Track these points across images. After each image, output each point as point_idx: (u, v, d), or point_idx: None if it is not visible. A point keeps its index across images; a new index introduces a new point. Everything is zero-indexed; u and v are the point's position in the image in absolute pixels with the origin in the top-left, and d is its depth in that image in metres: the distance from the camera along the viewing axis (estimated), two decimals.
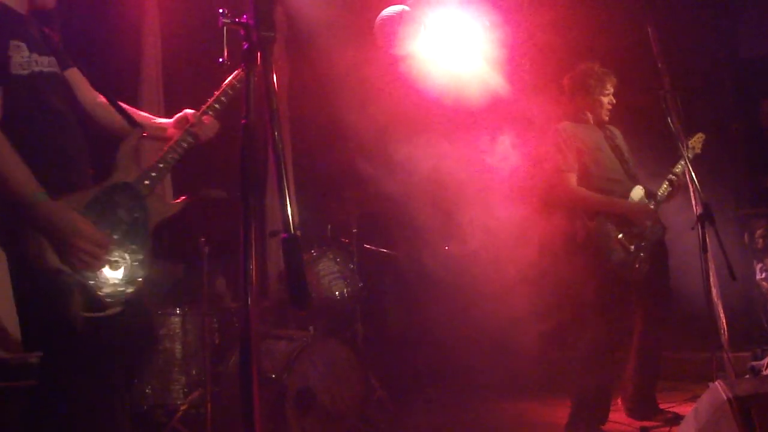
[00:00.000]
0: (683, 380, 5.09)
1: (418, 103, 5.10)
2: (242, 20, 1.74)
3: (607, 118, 4.41)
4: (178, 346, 4.58)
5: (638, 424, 4.27)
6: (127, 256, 2.55)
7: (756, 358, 4.73)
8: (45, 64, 2.57)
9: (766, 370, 4.41)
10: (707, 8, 6.40)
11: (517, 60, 5.21)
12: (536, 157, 4.59)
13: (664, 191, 4.35)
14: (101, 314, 2.44)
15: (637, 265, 4.14)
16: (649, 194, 4.34)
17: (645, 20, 4.58)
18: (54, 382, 2.38)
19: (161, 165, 2.73)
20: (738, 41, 6.65)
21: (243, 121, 1.66)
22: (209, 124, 2.86)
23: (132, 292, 2.53)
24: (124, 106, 2.88)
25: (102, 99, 2.85)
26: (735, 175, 6.46)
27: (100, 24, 4.69)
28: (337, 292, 4.86)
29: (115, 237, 2.53)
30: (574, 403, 4.14)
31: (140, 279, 2.56)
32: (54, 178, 2.45)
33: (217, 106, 2.89)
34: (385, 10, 4.77)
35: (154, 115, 3.07)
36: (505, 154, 4.95)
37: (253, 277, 1.59)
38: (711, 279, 4.05)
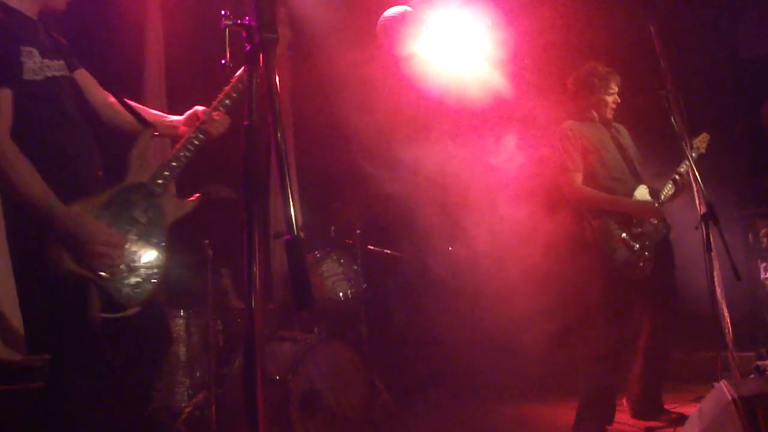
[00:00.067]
0: (688, 380, 5.08)
1: (421, 104, 5.10)
2: (244, 22, 1.74)
3: (611, 117, 4.41)
4: (182, 349, 4.58)
5: (643, 424, 4.26)
6: (143, 256, 2.57)
7: (761, 357, 4.71)
8: (56, 68, 2.59)
9: None
10: (707, 8, 6.39)
11: (519, 60, 5.20)
12: (541, 156, 4.58)
13: (668, 191, 4.35)
14: (120, 315, 2.45)
15: (641, 264, 4.13)
16: (654, 194, 4.33)
17: (646, 20, 4.57)
18: (69, 383, 2.39)
19: (174, 163, 2.73)
20: (738, 41, 6.64)
21: (245, 123, 1.66)
22: (220, 120, 2.84)
23: (150, 292, 2.54)
24: (135, 104, 2.89)
25: (112, 99, 2.86)
26: (738, 175, 6.45)
27: (102, 25, 4.69)
28: (341, 294, 4.86)
29: (132, 238, 2.54)
30: (581, 403, 4.14)
31: (157, 278, 2.57)
32: (67, 182, 2.46)
33: (227, 101, 2.87)
34: (388, 10, 4.78)
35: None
36: (509, 154, 4.94)
37: (257, 279, 1.59)
38: (715, 279, 4.03)
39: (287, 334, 4.58)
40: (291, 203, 1.56)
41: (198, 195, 2.83)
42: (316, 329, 4.69)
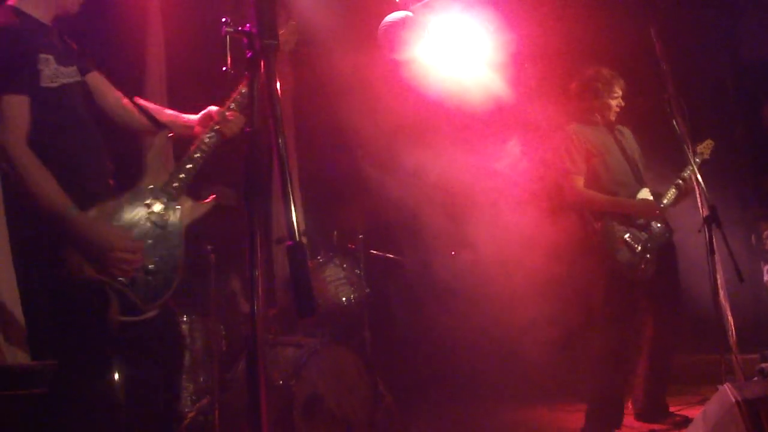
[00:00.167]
0: (692, 383, 5.07)
1: (422, 109, 5.10)
2: (245, 29, 1.75)
3: (614, 119, 4.41)
4: (185, 354, 4.58)
5: (647, 427, 4.25)
6: (161, 259, 2.57)
7: (765, 360, 4.69)
8: (69, 74, 2.60)
9: None
10: (708, 11, 6.39)
11: (520, 64, 5.20)
12: (543, 160, 4.59)
13: (671, 196, 4.35)
14: (139, 318, 2.46)
15: (643, 266, 4.14)
16: (656, 197, 4.33)
17: (647, 23, 4.57)
18: (77, 387, 2.39)
19: (189, 165, 2.71)
20: (739, 43, 6.64)
21: (247, 130, 1.67)
22: (234, 119, 2.81)
23: (167, 295, 2.55)
24: (150, 105, 2.88)
25: (125, 101, 2.86)
26: (740, 177, 6.44)
27: (103, 27, 4.70)
28: (344, 298, 4.86)
29: (149, 242, 2.55)
30: (589, 407, 4.14)
31: (175, 281, 2.58)
32: (80, 188, 2.47)
33: (240, 99, 2.84)
34: (389, 16, 4.78)
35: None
36: (510, 158, 4.95)
37: (259, 285, 1.60)
38: (718, 281, 4.02)
39: (291, 339, 4.58)
40: (293, 209, 1.57)
41: (213, 196, 2.82)
42: (319, 334, 4.69)
